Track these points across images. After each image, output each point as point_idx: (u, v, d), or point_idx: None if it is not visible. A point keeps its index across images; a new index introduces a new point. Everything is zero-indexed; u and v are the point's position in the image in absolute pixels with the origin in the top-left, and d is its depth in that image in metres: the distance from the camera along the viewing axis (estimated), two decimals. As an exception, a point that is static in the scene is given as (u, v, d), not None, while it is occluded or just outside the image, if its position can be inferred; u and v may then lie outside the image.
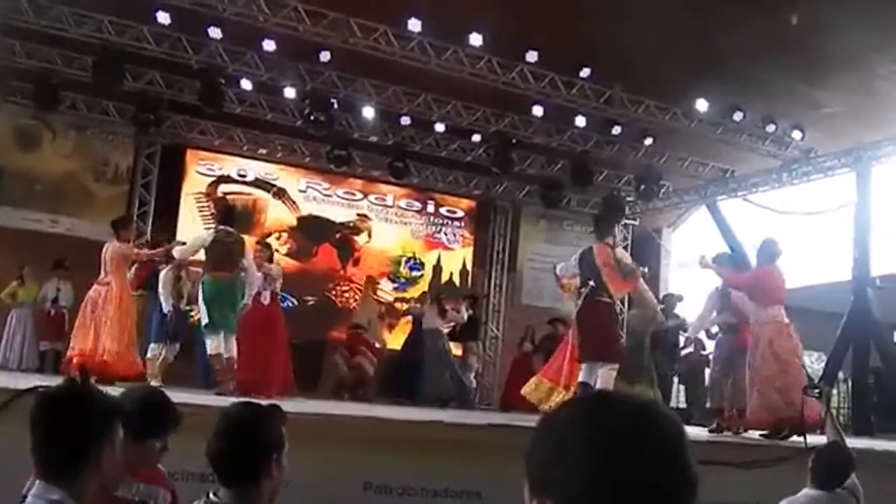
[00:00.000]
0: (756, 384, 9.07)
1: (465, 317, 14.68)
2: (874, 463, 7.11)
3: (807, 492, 5.12)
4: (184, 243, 10.58)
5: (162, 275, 10.82)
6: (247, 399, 3.34)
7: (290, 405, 6.34)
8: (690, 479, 1.26)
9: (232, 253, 9.80)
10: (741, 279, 10.15)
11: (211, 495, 2.97)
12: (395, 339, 16.44)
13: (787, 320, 9.23)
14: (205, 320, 9.53)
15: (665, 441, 1.27)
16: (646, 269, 10.44)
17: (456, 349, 15.07)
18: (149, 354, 10.28)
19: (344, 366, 14.15)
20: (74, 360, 9.63)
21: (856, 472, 5.25)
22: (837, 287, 14.75)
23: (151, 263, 11.49)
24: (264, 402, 3.31)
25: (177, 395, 7.34)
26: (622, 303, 12.43)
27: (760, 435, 9.23)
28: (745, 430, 9.65)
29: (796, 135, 15.10)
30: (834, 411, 14.04)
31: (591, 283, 8.97)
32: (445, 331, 14.16)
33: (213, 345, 9.41)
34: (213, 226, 15.93)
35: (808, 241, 15.35)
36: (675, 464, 1.25)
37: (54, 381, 2.92)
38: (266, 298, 10.66)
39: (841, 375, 15.14)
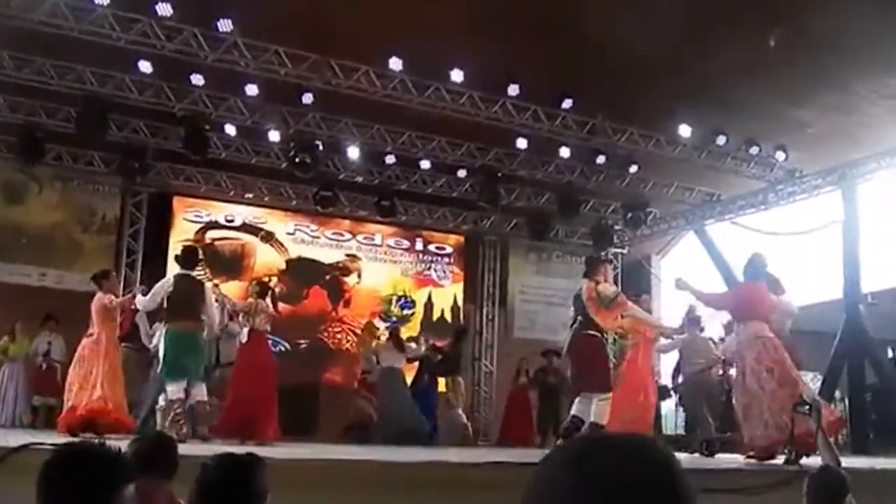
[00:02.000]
0: (745, 408, 9.03)
1: (423, 349, 14.59)
2: (873, 482, 7.07)
3: (802, 517, 5.07)
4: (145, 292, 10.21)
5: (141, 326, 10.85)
6: (227, 451, 3.32)
7: (283, 451, 6.30)
8: None
9: (193, 300, 9.55)
10: (722, 298, 10.16)
11: None
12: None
13: (769, 334, 9.10)
14: (164, 367, 9.45)
15: (655, 487, 1.20)
16: (647, 296, 10.43)
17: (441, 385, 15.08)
18: (160, 404, 10.06)
19: (369, 407, 14.07)
20: (76, 415, 9.57)
21: (854, 493, 5.20)
22: (829, 306, 14.77)
23: (130, 314, 11.33)
24: (243, 452, 3.28)
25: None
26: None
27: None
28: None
29: (780, 156, 15.16)
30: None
31: (580, 318, 9.35)
32: (401, 365, 14.03)
33: (173, 390, 9.23)
34: (202, 272, 16.09)
35: (798, 262, 15.36)
36: None
37: (47, 436, 2.89)
38: (243, 336, 10.54)
39: (837, 394, 15.10)
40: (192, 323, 9.50)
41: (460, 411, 15.02)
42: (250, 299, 10.86)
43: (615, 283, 17.02)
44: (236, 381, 10.34)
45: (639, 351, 11.88)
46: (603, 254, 17.54)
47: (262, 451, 3.46)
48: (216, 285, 11.50)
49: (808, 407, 7.43)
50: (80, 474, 2.49)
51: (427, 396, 14.58)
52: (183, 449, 6.55)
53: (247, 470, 3.03)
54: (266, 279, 15.97)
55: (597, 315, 9.23)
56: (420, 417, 13.56)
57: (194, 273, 10.06)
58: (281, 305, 16.07)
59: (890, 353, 16.12)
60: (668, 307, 18.40)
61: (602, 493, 1.17)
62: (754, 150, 14.98)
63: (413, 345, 14.27)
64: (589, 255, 11.97)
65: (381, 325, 17.66)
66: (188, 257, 10.24)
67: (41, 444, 2.66)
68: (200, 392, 9.41)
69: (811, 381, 15.66)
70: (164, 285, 9.73)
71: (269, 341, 10.96)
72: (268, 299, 10.79)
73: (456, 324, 17.75)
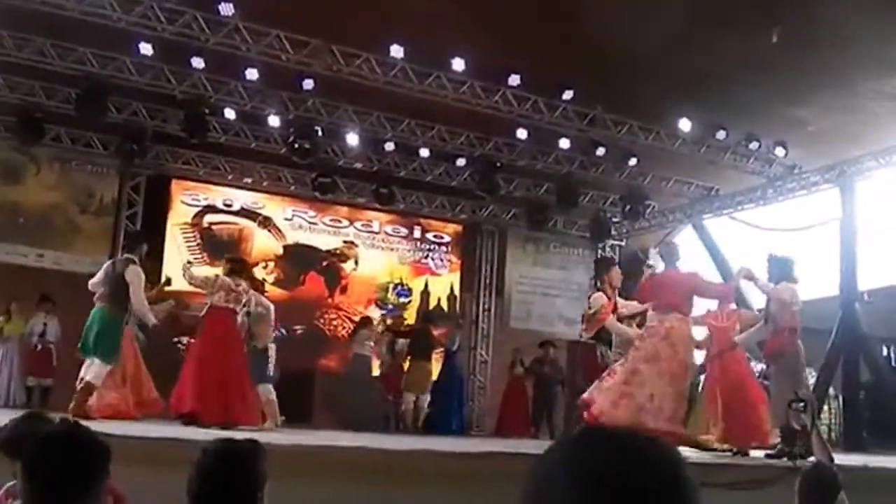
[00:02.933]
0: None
1: (378, 331, 14.70)
2: (866, 480, 7.08)
3: (794, 514, 5.07)
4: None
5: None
6: (226, 436, 3.27)
7: (279, 437, 6.31)
8: None
9: (117, 282, 9.60)
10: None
11: None
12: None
13: (668, 325, 9.07)
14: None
15: (658, 485, 1.16)
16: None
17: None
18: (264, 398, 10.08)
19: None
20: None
21: (847, 491, 5.20)
22: (825, 303, 14.76)
23: None
24: (242, 438, 3.26)
25: (149, 430, 7.29)
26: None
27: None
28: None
29: (780, 152, 15.16)
30: (825, 427, 14.07)
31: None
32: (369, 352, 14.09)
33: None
34: (199, 256, 16.10)
35: (794, 257, 15.34)
36: None
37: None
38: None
39: (832, 391, 15.14)
40: (109, 304, 9.64)
41: (410, 396, 14.53)
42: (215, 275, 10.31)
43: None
44: (188, 358, 10.06)
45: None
46: (611, 254, 17.60)
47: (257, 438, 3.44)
48: (189, 262, 11.19)
49: (802, 404, 7.46)
50: (65, 460, 2.48)
51: (451, 385, 14.62)
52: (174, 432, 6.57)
53: (248, 456, 3.02)
54: (255, 268, 15.94)
55: (582, 324, 9.52)
56: (376, 404, 13.72)
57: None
58: (278, 291, 16.19)
59: (884, 351, 16.17)
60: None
61: (601, 493, 1.14)
62: (754, 145, 14.98)
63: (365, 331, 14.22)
64: (600, 255, 11.91)
65: (377, 313, 17.66)
66: (132, 237, 10.87)
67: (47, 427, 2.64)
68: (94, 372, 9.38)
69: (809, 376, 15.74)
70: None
71: (232, 319, 9.97)
72: (237, 278, 10.05)
73: (453, 312, 17.76)
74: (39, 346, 13.64)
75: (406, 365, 15.09)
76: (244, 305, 10.08)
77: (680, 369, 8.99)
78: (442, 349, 15.71)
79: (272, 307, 10.52)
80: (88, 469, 2.47)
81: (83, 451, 2.50)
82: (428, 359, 14.92)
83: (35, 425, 3.39)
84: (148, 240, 11.12)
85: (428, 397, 14.51)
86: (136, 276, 9.65)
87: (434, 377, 14.92)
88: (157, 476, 4.88)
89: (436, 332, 15.37)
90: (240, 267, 10.39)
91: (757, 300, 11.80)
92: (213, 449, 3.03)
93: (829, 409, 15.56)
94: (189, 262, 11.25)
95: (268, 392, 10.12)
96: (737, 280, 10.08)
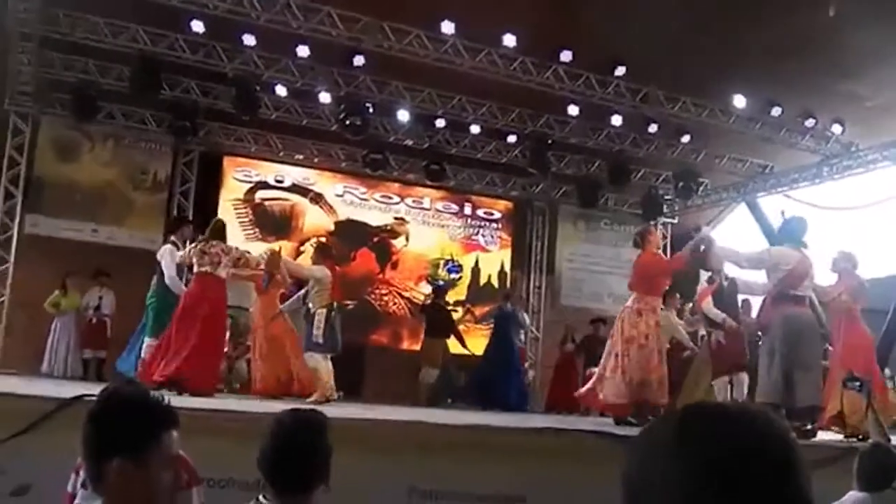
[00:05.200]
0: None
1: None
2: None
3: (853, 494, 5.02)
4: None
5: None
6: (295, 406, 3.26)
7: (332, 410, 6.35)
8: None
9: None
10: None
11: (261, 498, 2.95)
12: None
13: (635, 305, 9.16)
14: None
15: (775, 461, 1.12)
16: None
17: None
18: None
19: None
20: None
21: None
22: (883, 282, 14.56)
23: None
24: (310, 409, 3.27)
25: (213, 403, 7.36)
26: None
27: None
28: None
29: (836, 129, 14.92)
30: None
31: None
32: None
33: None
34: (251, 231, 16.22)
35: (852, 237, 15.14)
36: (783, 490, 1.12)
37: (99, 388, 2.91)
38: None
39: (887, 372, 14.92)
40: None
41: (431, 370, 14.48)
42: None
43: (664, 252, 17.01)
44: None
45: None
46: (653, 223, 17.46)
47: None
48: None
49: (858, 383, 7.34)
50: (126, 417, 2.48)
51: (500, 356, 14.57)
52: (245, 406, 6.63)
53: (320, 425, 3.04)
54: (307, 243, 16.03)
55: None
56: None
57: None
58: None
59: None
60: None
61: (710, 465, 1.11)
62: (810, 122, 14.75)
63: None
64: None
65: (427, 289, 17.70)
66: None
67: (94, 395, 2.65)
68: None
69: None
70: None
71: (206, 283, 9.57)
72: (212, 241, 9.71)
73: (503, 289, 17.69)
74: (94, 320, 13.87)
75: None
76: (237, 262, 9.83)
77: (658, 345, 9.10)
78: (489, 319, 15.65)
79: (322, 275, 10.29)
80: (148, 429, 2.46)
81: (143, 407, 2.50)
82: (442, 335, 14.76)
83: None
84: (195, 220, 11.16)
85: (433, 372, 14.40)
86: (166, 253, 10.16)
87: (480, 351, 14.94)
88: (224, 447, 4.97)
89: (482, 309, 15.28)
90: (217, 228, 10.04)
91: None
92: (286, 420, 3.05)
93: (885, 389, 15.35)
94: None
95: (314, 361, 9.85)
96: (687, 251, 9.66)
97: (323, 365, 9.82)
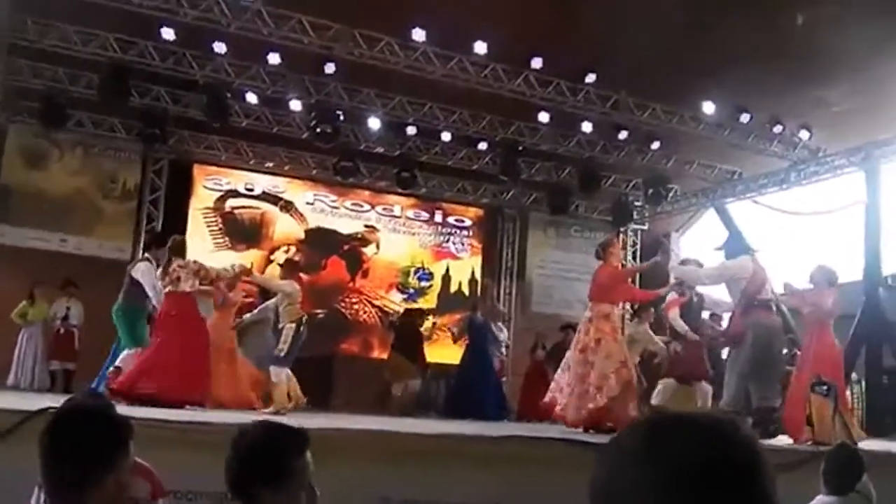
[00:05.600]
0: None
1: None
2: (890, 465, 7.04)
3: (821, 498, 5.05)
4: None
5: None
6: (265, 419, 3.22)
7: (301, 420, 6.33)
8: None
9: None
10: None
11: None
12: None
13: (588, 313, 9.33)
14: None
15: (740, 472, 1.13)
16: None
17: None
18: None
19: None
20: None
21: (869, 475, 5.18)
22: (849, 288, 14.63)
23: None
24: (282, 423, 3.24)
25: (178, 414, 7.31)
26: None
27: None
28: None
29: (804, 135, 15.07)
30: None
31: None
32: None
33: None
34: (221, 240, 16.14)
35: (818, 242, 15.26)
36: (750, 496, 1.12)
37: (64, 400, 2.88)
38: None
39: (854, 377, 15.03)
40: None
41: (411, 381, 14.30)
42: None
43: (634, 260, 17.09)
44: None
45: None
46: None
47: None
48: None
49: (825, 387, 7.40)
50: (83, 433, 2.47)
51: (474, 368, 14.49)
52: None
53: (287, 440, 2.99)
54: (277, 252, 16.00)
55: None
56: None
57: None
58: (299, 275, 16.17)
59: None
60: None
61: (677, 475, 1.11)
62: (778, 128, 14.90)
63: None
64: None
65: (398, 297, 17.72)
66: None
67: (67, 405, 2.63)
68: None
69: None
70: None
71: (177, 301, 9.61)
72: (178, 260, 9.70)
73: (474, 297, 17.69)
74: (62, 330, 13.73)
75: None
76: (197, 274, 9.72)
77: (614, 349, 9.07)
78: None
79: (291, 290, 10.34)
80: (104, 443, 2.45)
81: (99, 425, 2.48)
82: (407, 351, 14.62)
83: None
84: (165, 228, 11.12)
85: (409, 384, 14.33)
86: (145, 271, 10.05)
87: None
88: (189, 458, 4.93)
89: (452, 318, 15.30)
90: (175, 246, 9.96)
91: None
92: (249, 430, 3.02)
93: (852, 394, 15.43)
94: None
95: (276, 375, 9.85)
96: (647, 266, 9.95)
97: (283, 378, 9.89)
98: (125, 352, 9.86)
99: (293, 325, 9.97)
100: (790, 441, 8.94)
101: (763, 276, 8.93)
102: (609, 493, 1.17)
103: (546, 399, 9.51)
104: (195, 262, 9.97)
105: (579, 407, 8.88)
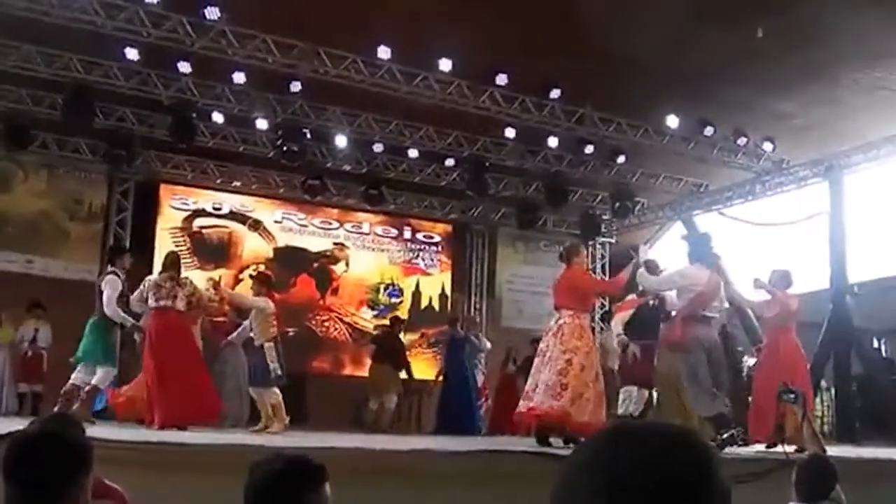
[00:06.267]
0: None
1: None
2: (859, 472, 7.10)
3: (792, 506, 5.08)
4: None
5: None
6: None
7: (275, 438, 6.31)
8: None
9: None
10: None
11: None
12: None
13: (550, 321, 9.45)
14: None
15: (691, 485, 1.12)
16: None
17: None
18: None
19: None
20: None
21: (840, 483, 5.21)
22: (816, 296, 14.79)
23: None
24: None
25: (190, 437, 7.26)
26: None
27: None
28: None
29: (767, 147, 15.22)
30: (818, 419, 14.05)
31: None
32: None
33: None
34: (189, 260, 16.04)
35: (784, 252, 15.39)
36: None
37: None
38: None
39: (823, 384, 15.16)
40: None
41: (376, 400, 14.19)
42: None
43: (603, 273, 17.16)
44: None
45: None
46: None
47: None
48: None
49: (793, 395, 7.44)
50: (41, 459, 2.46)
51: (456, 384, 14.45)
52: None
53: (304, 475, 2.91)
54: (245, 271, 15.96)
55: None
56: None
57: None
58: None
59: (875, 343, 16.19)
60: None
61: (626, 493, 1.10)
62: (742, 140, 15.05)
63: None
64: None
65: (368, 314, 17.72)
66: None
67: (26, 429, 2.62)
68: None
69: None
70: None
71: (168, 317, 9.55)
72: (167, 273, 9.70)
73: (444, 313, 17.72)
74: (30, 353, 13.59)
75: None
76: (189, 298, 9.72)
77: (572, 353, 8.89)
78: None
79: (265, 305, 10.28)
80: (61, 467, 2.45)
81: (58, 450, 2.48)
82: (391, 363, 14.52)
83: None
84: (132, 249, 11.07)
85: (385, 400, 14.24)
86: (109, 282, 9.80)
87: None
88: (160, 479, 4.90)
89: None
90: (170, 262, 9.96)
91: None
92: (266, 467, 2.92)
93: (822, 401, 15.58)
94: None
95: (273, 395, 9.88)
96: (626, 277, 9.69)
97: (280, 398, 9.92)
98: (92, 366, 9.70)
99: (272, 343, 9.93)
100: (761, 448, 9.00)
101: (714, 291, 8.85)
102: (561, 500, 1.17)
103: (519, 409, 9.43)
104: (191, 283, 10.00)
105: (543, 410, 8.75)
